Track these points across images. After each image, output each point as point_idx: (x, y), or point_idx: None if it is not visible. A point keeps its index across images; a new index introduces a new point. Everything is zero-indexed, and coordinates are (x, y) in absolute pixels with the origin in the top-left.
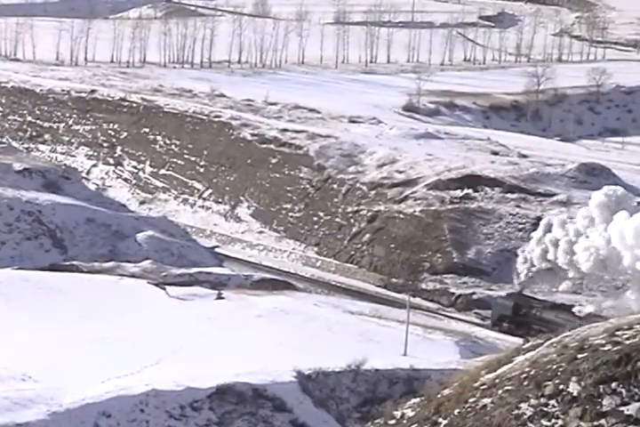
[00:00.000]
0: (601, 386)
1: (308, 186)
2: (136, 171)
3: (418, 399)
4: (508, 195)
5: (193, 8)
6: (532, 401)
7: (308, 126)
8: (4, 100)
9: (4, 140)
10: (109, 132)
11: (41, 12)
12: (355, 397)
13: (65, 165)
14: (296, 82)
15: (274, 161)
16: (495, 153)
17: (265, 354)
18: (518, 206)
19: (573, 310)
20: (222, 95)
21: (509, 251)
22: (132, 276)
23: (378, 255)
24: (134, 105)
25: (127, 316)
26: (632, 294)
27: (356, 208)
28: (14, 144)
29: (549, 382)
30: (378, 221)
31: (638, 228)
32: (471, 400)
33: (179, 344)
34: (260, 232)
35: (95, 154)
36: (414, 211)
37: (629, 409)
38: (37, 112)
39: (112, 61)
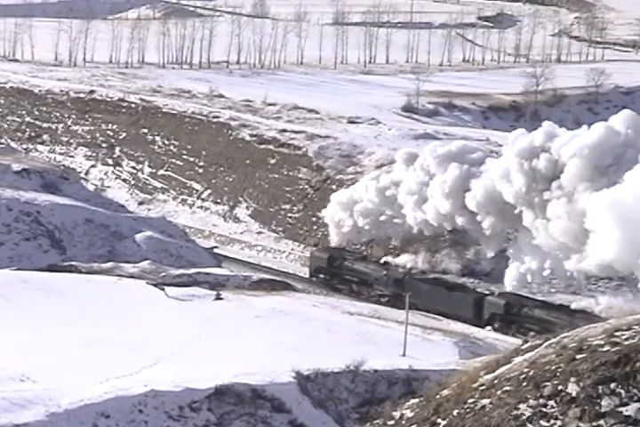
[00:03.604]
0: (600, 387)
1: (306, 186)
2: (135, 171)
3: (417, 400)
4: None
5: (192, 8)
6: (531, 402)
7: (307, 127)
8: (2, 101)
9: (2, 140)
10: (108, 132)
11: (39, 12)
12: (354, 397)
13: (64, 165)
14: (295, 82)
15: (272, 161)
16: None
17: (264, 355)
18: None
19: (381, 260)
20: (221, 96)
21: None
22: (131, 276)
23: (377, 256)
24: (133, 105)
25: (126, 316)
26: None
27: None
28: (13, 145)
29: (548, 383)
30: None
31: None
32: (470, 401)
33: (177, 345)
34: (259, 233)
35: (94, 154)
36: None
37: (628, 410)
38: (36, 113)
39: (111, 62)
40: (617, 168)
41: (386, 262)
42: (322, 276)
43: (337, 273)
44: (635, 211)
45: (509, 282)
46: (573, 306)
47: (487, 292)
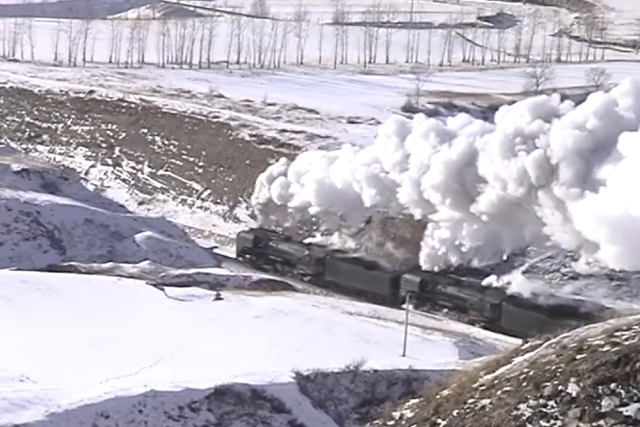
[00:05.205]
0: (600, 387)
1: None
2: (134, 171)
3: (417, 400)
4: None
5: (192, 8)
6: (531, 402)
7: (307, 127)
8: (2, 101)
9: (2, 140)
10: (108, 132)
11: (39, 12)
12: (353, 398)
13: (63, 165)
14: (295, 82)
15: (272, 162)
16: None
17: (263, 355)
18: None
19: (304, 241)
20: (221, 96)
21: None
22: (131, 276)
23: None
24: (133, 105)
25: (125, 317)
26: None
27: None
28: (12, 145)
29: (548, 383)
30: (376, 222)
31: None
32: (470, 401)
33: (177, 345)
34: None
35: (93, 154)
36: None
37: (628, 410)
38: (36, 113)
39: (110, 62)
40: (609, 158)
41: (309, 243)
42: (247, 256)
43: (262, 253)
44: (624, 223)
45: (423, 261)
46: (483, 283)
47: (403, 270)
